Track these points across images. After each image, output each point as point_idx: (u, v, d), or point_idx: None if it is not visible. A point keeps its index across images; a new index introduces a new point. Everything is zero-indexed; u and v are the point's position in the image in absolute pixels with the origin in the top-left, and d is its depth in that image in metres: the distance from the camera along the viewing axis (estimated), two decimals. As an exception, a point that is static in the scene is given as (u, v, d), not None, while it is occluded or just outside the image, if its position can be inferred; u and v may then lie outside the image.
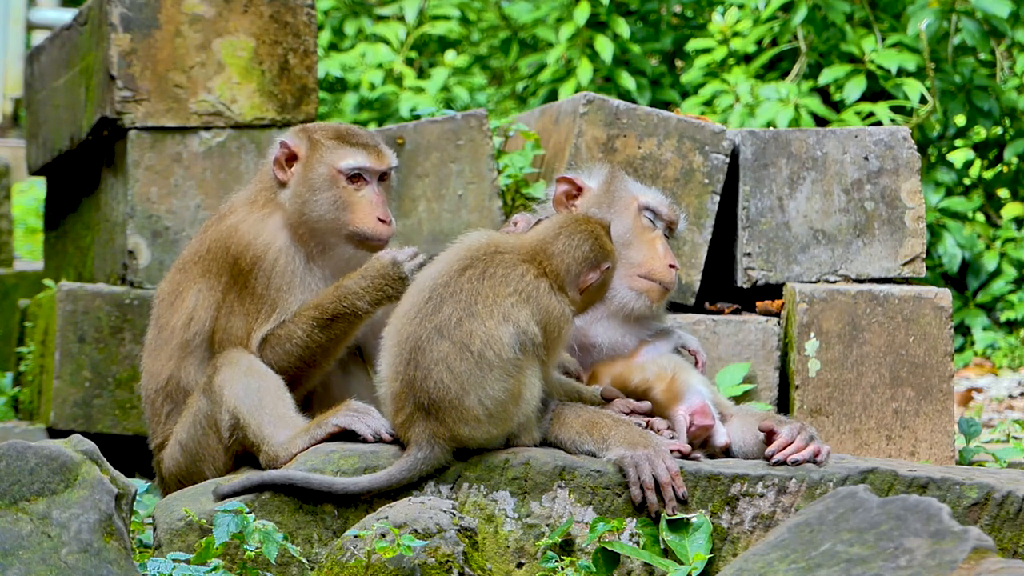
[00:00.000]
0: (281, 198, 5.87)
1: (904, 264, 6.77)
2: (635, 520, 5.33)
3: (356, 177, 5.86)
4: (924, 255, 6.76)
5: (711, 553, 5.27)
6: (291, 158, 5.89)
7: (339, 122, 6.06)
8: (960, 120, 10.49)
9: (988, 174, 10.69)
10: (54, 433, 6.83)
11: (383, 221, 5.85)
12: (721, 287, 6.89)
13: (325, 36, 12.19)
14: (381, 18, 12.41)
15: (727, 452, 5.72)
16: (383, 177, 5.93)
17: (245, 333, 5.77)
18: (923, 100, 10.20)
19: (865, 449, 6.56)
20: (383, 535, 4.92)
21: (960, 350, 10.11)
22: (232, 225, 5.85)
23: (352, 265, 5.88)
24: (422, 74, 12.29)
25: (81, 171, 7.69)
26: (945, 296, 6.63)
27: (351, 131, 5.93)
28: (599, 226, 5.50)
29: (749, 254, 6.74)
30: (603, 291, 5.53)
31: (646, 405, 5.62)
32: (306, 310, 5.77)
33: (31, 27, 16.30)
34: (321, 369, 5.83)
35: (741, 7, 10.99)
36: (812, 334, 6.59)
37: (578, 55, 11.01)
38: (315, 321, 5.75)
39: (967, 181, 10.62)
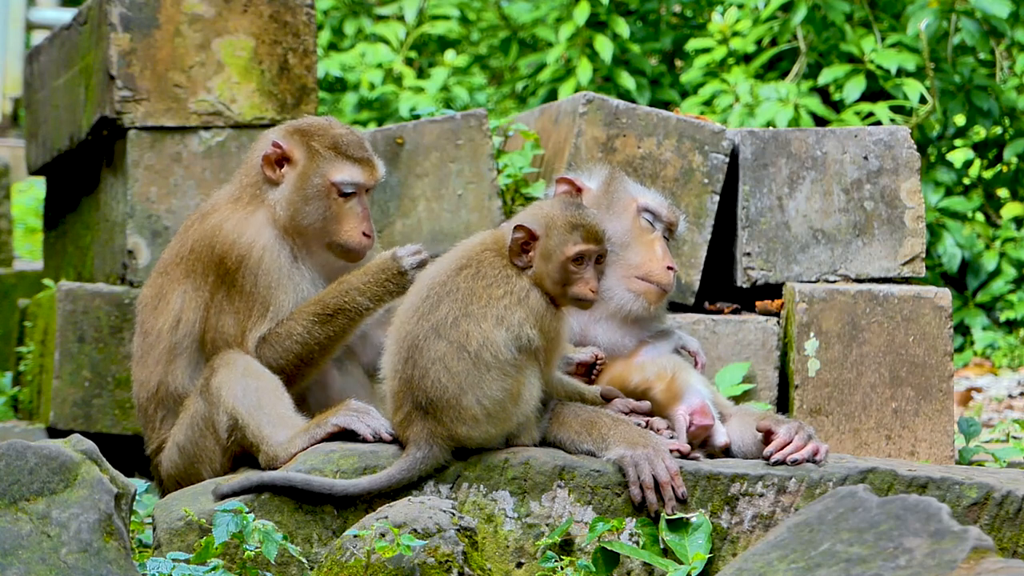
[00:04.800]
0: (269, 197, 5.87)
1: (904, 264, 6.77)
2: (635, 520, 5.33)
3: (349, 192, 5.88)
4: (924, 255, 6.76)
5: (711, 553, 5.27)
6: (282, 159, 5.88)
7: (328, 118, 6.03)
8: (960, 120, 10.49)
9: (988, 174, 10.69)
10: (54, 433, 6.83)
11: (366, 235, 5.88)
12: (721, 287, 6.89)
13: (325, 36, 12.20)
14: (381, 18, 12.42)
15: (727, 452, 5.72)
16: (369, 189, 5.96)
17: (239, 332, 5.77)
18: (923, 100, 10.20)
19: (865, 449, 6.56)
20: (383, 535, 4.92)
21: (960, 350, 10.11)
22: (216, 224, 5.84)
23: (335, 266, 5.90)
24: (422, 74, 12.29)
25: (81, 171, 7.69)
26: (945, 296, 6.63)
27: (347, 141, 5.91)
28: (553, 203, 5.45)
29: (749, 254, 6.75)
30: (551, 262, 5.34)
31: (646, 405, 5.62)
32: (306, 306, 5.78)
33: (31, 27, 16.31)
34: (317, 367, 5.83)
35: (741, 7, 10.99)
36: (812, 334, 6.59)
37: (578, 55, 11.01)
38: (316, 317, 5.75)
39: (967, 181, 10.63)
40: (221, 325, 5.80)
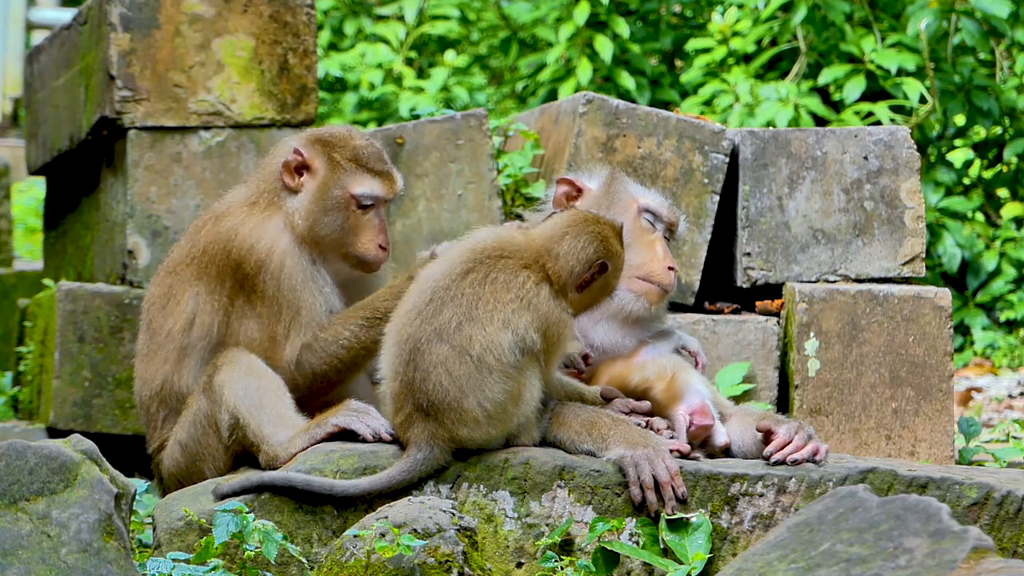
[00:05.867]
0: (287, 205, 5.85)
1: (904, 264, 6.77)
2: (635, 520, 5.33)
3: (368, 205, 5.87)
4: (924, 255, 6.76)
5: (711, 553, 5.27)
6: (302, 167, 5.87)
7: (346, 127, 6.03)
8: (960, 120, 10.49)
9: (988, 174, 10.69)
10: (54, 433, 6.82)
11: (383, 248, 5.88)
12: (721, 287, 6.89)
13: (325, 36, 12.20)
14: (381, 18, 12.42)
15: (727, 452, 5.72)
16: (388, 201, 5.96)
17: (267, 336, 5.75)
18: (923, 100, 10.20)
19: (865, 449, 6.56)
20: (383, 535, 4.92)
21: (960, 350, 10.11)
22: (232, 227, 5.82)
23: (350, 275, 5.90)
24: (422, 74, 12.29)
25: (81, 171, 7.69)
26: (945, 296, 6.63)
27: (368, 154, 5.89)
28: (608, 227, 5.46)
29: (749, 254, 6.75)
30: (605, 293, 5.50)
31: (646, 405, 5.62)
32: (353, 311, 5.76)
33: (31, 27, 16.31)
34: (358, 372, 5.81)
35: (741, 7, 10.99)
36: (812, 334, 6.59)
37: (578, 55, 11.01)
38: (365, 321, 5.73)
39: (967, 181, 10.63)
40: (245, 330, 5.78)
